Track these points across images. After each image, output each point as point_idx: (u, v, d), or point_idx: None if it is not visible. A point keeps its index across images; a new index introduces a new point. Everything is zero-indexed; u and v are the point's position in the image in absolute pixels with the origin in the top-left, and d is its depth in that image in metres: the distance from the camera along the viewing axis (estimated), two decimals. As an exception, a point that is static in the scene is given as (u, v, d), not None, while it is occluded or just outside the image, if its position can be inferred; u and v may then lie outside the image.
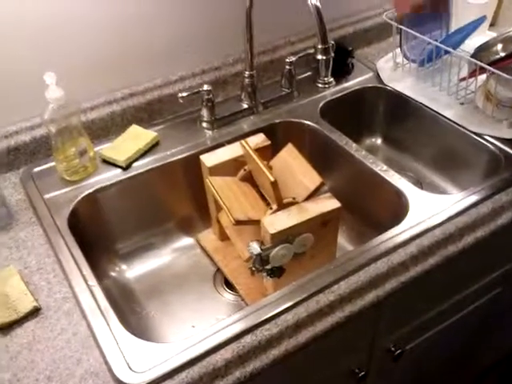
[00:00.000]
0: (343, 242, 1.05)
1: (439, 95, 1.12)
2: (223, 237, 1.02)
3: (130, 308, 0.95)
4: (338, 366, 0.93)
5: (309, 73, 1.21)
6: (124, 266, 1.02)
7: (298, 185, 0.85)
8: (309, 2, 0.79)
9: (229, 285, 0.99)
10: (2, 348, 0.70)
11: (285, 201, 0.83)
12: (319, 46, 0.81)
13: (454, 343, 1.17)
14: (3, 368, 0.68)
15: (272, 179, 0.79)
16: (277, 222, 0.80)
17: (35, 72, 0.88)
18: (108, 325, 0.72)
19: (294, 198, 0.83)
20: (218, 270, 1.02)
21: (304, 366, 0.84)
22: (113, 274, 1.01)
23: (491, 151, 1.01)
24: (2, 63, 0.93)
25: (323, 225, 0.83)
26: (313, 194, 0.84)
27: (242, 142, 0.87)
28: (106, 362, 0.68)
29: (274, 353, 0.71)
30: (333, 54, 0.82)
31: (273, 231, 0.78)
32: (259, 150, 0.91)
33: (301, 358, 0.76)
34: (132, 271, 1.02)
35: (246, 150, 0.86)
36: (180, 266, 1.04)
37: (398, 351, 0.97)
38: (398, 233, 0.84)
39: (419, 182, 1.17)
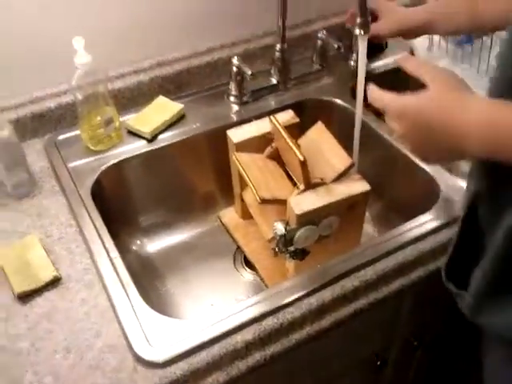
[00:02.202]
0: (367, 227, 1.02)
1: (476, 77, 1.07)
2: (245, 215, 1.01)
3: (149, 283, 0.94)
4: (357, 353, 0.91)
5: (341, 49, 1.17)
6: (145, 240, 1.02)
7: (327, 165, 0.82)
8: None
9: (248, 264, 0.98)
10: (21, 317, 0.70)
11: (312, 181, 0.80)
12: (357, 20, 0.77)
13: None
14: (21, 337, 0.68)
15: (301, 158, 0.76)
16: (303, 202, 0.78)
17: (63, 38, 0.86)
18: (129, 298, 0.71)
19: (321, 179, 0.81)
20: (238, 248, 1.00)
21: (322, 352, 0.82)
22: (133, 247, 1.00)
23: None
24: (30, 29, 0.91)
25: (351, 208, 0.81)
26: (342, 175, 0.81)
27: (271, 117, 0.84)
28: (126, 337, 0.67)
29: (296, 337, 0.69)
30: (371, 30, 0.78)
31: (299, 212, 0.76)
32: (287, 128, 0.87)
33: (320, 343, 0.75)
34: (152, 245, 1.01)
35: (275, 127, 0.83)
36: (200, 243, 1.03)
37: (416, 342, 0.95)
38: (428, 220, 0.81)
39: (449, 169, 1.13)
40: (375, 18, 0.92)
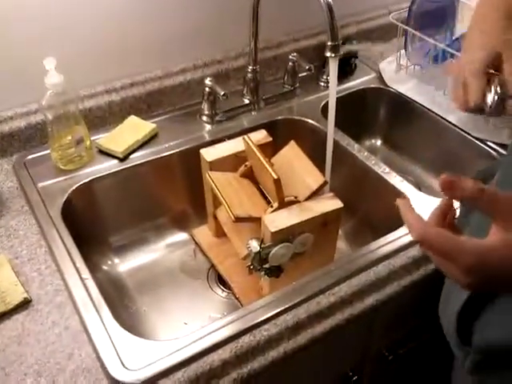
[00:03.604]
0: (341, 243, 1.03)
1: (443, 99, 1.11)
2: (219, 233, 1.00)
3: (121, 302, 0.92)
4: (331, 368, 0.91)
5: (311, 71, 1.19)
6: (117, 260, 1.00)
7: (300, 183, 0.83)
8: (321, -2, 0.78)
9: (222, 282, 0.97)
10: (-11, 340, 0.68)
11: (286, 199, 0.81)
12: (328, 43, 0.79)
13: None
14: (-9, 361, 0.65)
15: (275, 176, 0.77)
16: (278, 220, 0.78)
17: (33, 58, 0.85)
18: (101, 320, 0.70)
19: (295, 197, 0.82)
20: (212, 266, 1.00)
21: (297, 368, 0.82)
22: (105, 267, 0.98)
23: (493, 157, 1.00)
24: (0, 48, 0.90)
25: (324, 225, 0.82)
26: (315, 193, 0.82)
27: (245, 137, 0.85)
28: (99, 358, 0.65)
29: (273, 354, 0.69)
30: (342, 52, 0.80)
31: (274, 229, 0.77)
32: (261, 147, 0.88)
33: (296, 359, 0.75)
34: (125, 265, 1.00)
35: (249, 146, 0.84)
36: (173, 262, 1.02)
37: (392, 356, 0.96)
38: (400, 236, 0.83)
39: (418, 186, 1.16)
40: None
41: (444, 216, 0.52)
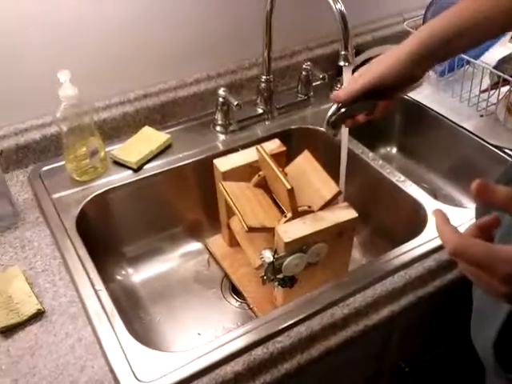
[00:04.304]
0: (356, 253, 1.02)
1: (459, 106, 1.10)
2: (232, 243, 1.00)
3: (134, 313, 0.92)
4: (346, 381, 0.90)
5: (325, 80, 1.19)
6: (130, 270, 1.00)
7: (314, 193, 0.83)
8: (333, 8, 0.77)
9: (236, 292, 0.97)
10: (3, 352, 0.68)
11: (300, 209, 0.80)
12: (342, 52, 0.78)
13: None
14: (4, 373, 0.65)
15: (288, 186, 0.76)
16: (291, 230, 0.77)
17: (48, 70, 0.86)
18: (114, 332, 0.69)
19: (309, 207, 0.81)
20: (226, 276, 0.99)
21: (310, 380, 0.81)
22: (119, 277, 0.98)
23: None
24: (16, 60, 0.91)
25: (338, 235, 0.81)
26: (329, 203, 0.81)
27: (258, 147, 0.85)
28: (112, 371, 0.65)
29: (286, 366, 0.68)
30: (356, 61, 0.79)
31: (287, 239, 0.76)
32: (274, 156, 0.88)
33: (309, 371, 0.74)
34: (138, 275, 1.00)
35: (262, 156, 0.83)
36: (187, 272, 1.02)
37: (408, 368, 0.94)
38: (416, 246, 0.81)
39: (434, 194, 1.14)
40: None
41: (480, 232, 0.50)
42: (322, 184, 0.83)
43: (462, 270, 0.48)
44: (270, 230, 0.80)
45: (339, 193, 0.81)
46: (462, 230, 0.48)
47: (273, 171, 0.80)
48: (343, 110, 0.76)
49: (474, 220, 0.84)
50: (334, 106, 0.76)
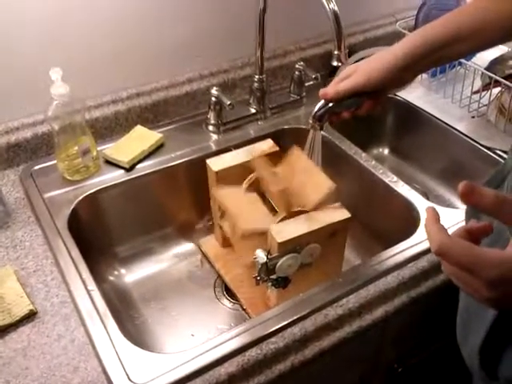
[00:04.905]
0: (348, 254, 1.02)
1: (450, 107, 1.10)
2: (225, 243, 1.00)
3: (127, 314, 0.92)
4: (340, 381, 0.90)
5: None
6: (123, 270, 0.99)
7: (307, 192, 0.82)
8: (327, 7, 0.77)
9: (229, 293, 0.96)
10: (-5, 353, 0.67)
11: (293, 209, 0.80)
12: (335, 52, 0.78)
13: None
14: (-4, 374, 0.65)
15: (281, 187, 0.76)
16: (285, 230, 0.77)
17: (39, 68, 0.86)
18: (107, 332, 0.69)
19: (302, 207, 0.81)
20: (219, 277, 0.99)
21: (304, 381, 0.81)
22: (111, 277, 0.98)
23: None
24: (6, 58, 0.90)
25: (331, 235, 0.81)
26: (322, 201, 0.81)
27: (250, 147, 0.85)
28: (105, 372, 0.65)
29: (280, 368, 0.68)
30: (349, 61, 0.79)
31: (280, 240, 0.76)
32: (267, 156, 0.88)
33: (303, 372, 0.74)
34: (131, 276, 0.99)
35: (254, 156, 0.83)
36: (180, 272, 1.01)
37: (401, 368, 0.95)
38: (409, 246, 0.82)
39: (426, 195, 1.15)
40: None
41: (469, 235, 0.48)
42: (315, 182, 0.82)
43: (445, 270, 0.47)
44: (264, 234, 0.80)
45: (333, 189, 0.81)
46: (453, 230, 0.49)
47: (265, 171, 0.80)
48: (330, 105, 0.78)
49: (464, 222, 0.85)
50: (322, 101, 0.78)
